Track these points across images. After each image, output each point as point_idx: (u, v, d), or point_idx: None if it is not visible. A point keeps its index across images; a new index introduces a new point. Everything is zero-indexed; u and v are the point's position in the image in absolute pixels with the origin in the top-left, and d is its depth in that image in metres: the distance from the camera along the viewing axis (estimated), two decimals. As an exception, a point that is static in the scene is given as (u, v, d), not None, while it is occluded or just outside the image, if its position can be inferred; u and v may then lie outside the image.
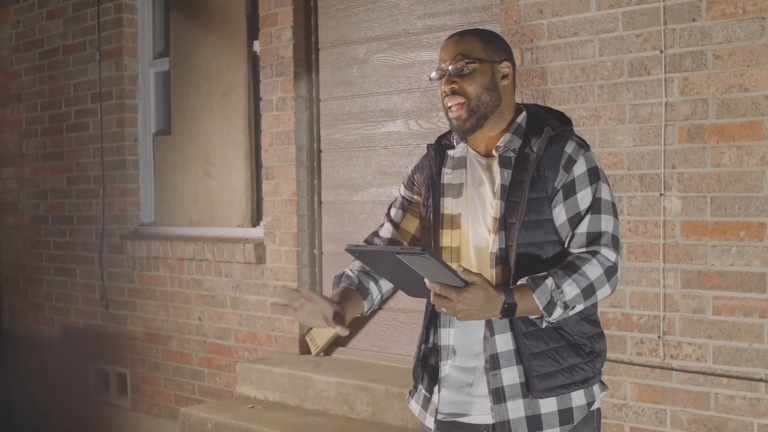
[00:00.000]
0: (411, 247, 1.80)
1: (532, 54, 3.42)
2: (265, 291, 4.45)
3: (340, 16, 4.22)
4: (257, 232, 4.53)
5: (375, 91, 4.12)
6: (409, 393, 2.20)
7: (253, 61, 4.56)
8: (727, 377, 3.01)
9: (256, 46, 4.52)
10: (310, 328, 4.33)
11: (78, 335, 5.55)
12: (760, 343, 2.94)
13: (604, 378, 2.19)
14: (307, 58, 4.31)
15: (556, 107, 3.38)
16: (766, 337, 2.93)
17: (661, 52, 3.11)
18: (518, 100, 3.41)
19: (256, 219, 4.60)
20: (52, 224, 5.68)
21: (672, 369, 3.13)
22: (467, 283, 1.81)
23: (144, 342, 5.14)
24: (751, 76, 2.92)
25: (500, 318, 1.89)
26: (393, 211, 2.24)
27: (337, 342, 4.28)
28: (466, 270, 1.81)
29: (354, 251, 1.88)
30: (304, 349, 4.34)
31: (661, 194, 3.14)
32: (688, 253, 3.08)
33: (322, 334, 4.24)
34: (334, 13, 4.25)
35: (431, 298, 1.85)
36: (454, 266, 1.81)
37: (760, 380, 2.94)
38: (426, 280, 1.82)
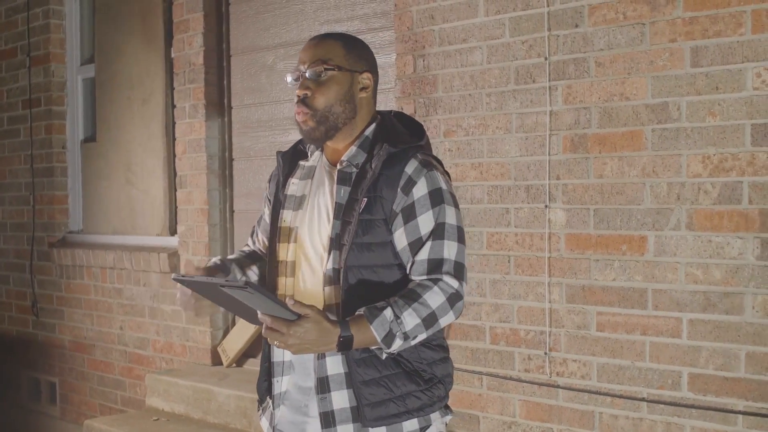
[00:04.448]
0: (235, 280, 1.72)
1: (423, 61, 3.33)
2: (180, 301, 4.36)
3: (249, 22, 4.14)
4: (174, 241, 4.46)
5: (282, 99, 4.04)
6: (260, 409, 2.11)
7: (171, 68, 4.49)
8: (611, 396, 2.91)
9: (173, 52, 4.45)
10: (222, 339, 4.25)
11: (11, 343, 5.51)
12: (641, 362, 2.84)
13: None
14: (218, 64, 4.24)
15: (446, 116, 3.31)
16: (647, 356, 2.83)
17: (546, 59, 3.01)
18: (410, 109, 3.37)
19: (174, 228, 4.53)
20: (-13, 231, 5.64)
21: (558, 387, 3.03)
22: (299, 316, 1.74)
23: (71, 351, 5.08)
24: (631, 84, 2.82)
25: (337, 351, 1.81)
26: (258, 223, 2.18)
27: (250, 353, 4.19)
28: (297, 303, 1.75)
29: (182, 281, 1.81)
30: (218, 360, 4.26)
31: (546, 206, 3.04)
32: (573, 267, 2.98)
33: (233, 346, 4.16)
34: (244, 19, 4.17)
35: (263, 331, 1.78)
36: (286, 300, 1.74)
37: (642, 399, 2.84)
38: (258, 312, 1.75)
